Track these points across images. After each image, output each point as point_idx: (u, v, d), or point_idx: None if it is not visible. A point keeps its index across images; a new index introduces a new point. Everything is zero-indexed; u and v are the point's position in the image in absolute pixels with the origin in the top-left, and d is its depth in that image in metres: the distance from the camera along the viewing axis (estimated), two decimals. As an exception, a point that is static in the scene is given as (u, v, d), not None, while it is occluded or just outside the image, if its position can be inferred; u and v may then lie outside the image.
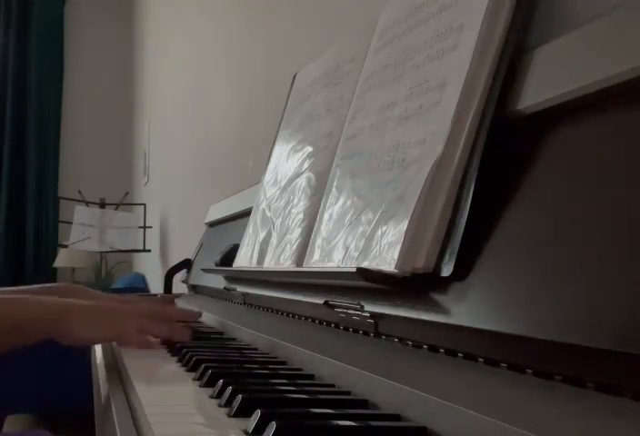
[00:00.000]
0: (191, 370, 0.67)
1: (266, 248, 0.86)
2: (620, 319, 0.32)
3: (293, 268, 0.74)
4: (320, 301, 0.64)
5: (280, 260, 0.79)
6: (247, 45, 1.88)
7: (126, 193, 4.21)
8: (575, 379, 0.34)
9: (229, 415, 0.48)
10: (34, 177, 4.66)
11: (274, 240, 0.84)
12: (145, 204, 3.69)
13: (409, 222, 0.52)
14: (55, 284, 1.04)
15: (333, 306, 0.62)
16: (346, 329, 0.61)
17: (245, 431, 0.43)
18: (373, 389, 0.52)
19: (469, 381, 0.43)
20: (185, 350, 0.78)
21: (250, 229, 0.95)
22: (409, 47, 0.64)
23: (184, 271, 1.67)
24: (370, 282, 0.52)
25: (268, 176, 0.96)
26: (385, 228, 0.56)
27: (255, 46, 1.79)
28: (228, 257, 1.06)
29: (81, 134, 4.86)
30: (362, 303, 0.57)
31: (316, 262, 0.67)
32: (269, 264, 0.82)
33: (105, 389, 0.66)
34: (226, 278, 1.11)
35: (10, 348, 0.82)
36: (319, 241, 0.68)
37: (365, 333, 0.58)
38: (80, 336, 0.82)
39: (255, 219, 0.95)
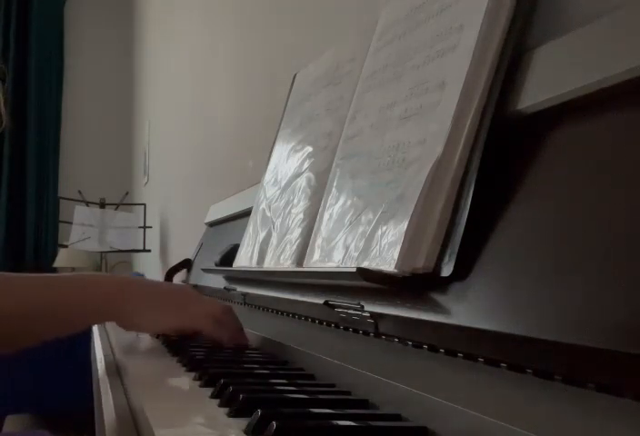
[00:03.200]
0: (191, 370, 0.67)
1: (266, 248, 0.86)
2: (620, 319, 0.32)
3: (293, 268, 0.74)
4: (320, 301, 0.64)
5: (280, 260, 0.79)
6: (247, 45, 1.88)
7: (126, 193, 4.22)
8: (575, 379, 0.34)
9: (229, 415, 0.48)
10: (34, 177, 4.65)
11: (274, 240, 0.84)
12: (145, 204, 3.69)
13: (409, 222, 0.52)
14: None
15: (333, 306, 0.62)
16: (346, 329, 0.61)
17: (245, 431, 0.43)
18: (373, 389, 0.52)
19: (469, 381, 0.43)
20: (185, 349, 0.78)
21: (250, 229, 0.95)
22: (409, 47, 0.64)
23: (184, 271, 1.67)
24: (370, 282, 0.52)
25: (268, 176, 0.96)
26: (385, 228, 0.56)
27: (255, 46, 1.79)
28: (228, 257, 1.06)
29: (81, 134, 4.85)
30: (362, 303, 0.57)
31: (316, 262, 0.67)
32: (269, 264, 0.82)
33: (105, 389, 0.66)
34: (226, 278, 1.11)
35: (59, 334, 0.73)
36: (319, 241, 0.68)
37: (365, 333, 0.57)
38: (140, 324, 0.73)
39: (255, 219, 0.95)
